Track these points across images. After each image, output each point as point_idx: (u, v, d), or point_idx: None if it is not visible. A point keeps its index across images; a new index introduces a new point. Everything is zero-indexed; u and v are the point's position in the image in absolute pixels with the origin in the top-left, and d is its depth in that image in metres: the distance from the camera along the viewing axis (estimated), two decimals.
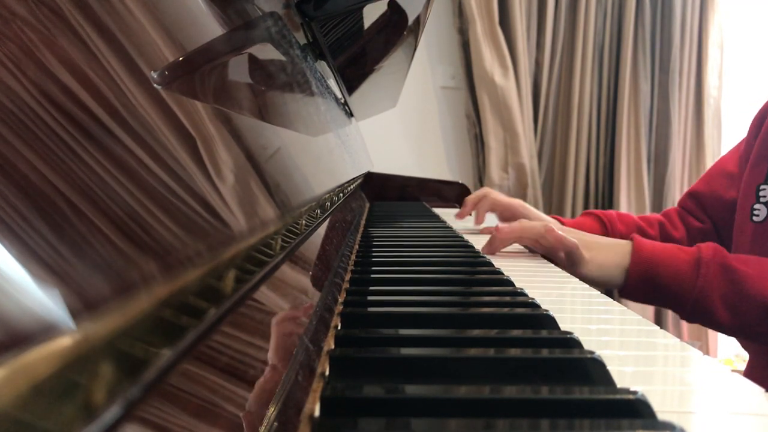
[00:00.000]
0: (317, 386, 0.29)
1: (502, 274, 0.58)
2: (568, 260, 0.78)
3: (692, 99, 2.81)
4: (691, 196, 1.14)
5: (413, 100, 2.56)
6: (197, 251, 0.20)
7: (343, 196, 0.82)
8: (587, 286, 0.64)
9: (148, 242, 0.18)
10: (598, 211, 1.13)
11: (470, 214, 1.15)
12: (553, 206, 2.75)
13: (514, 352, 0.34)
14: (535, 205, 2.63)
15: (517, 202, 1.12)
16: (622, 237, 1.07)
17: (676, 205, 1.18)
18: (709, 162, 2.81)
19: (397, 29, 0.97)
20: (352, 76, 1.03)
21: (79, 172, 0.16)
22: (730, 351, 2.68)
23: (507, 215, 1.10)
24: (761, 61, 3.00)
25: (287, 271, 0.36)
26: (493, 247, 0.82)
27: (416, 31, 1.04)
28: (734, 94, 2.95)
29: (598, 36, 2.70)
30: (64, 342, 0.11)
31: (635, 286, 0.78)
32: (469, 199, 1.14)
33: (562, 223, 1.07)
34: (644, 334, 0.44)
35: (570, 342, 0.36)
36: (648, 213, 2.71)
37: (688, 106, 2.81)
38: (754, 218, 0.92)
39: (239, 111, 0.34)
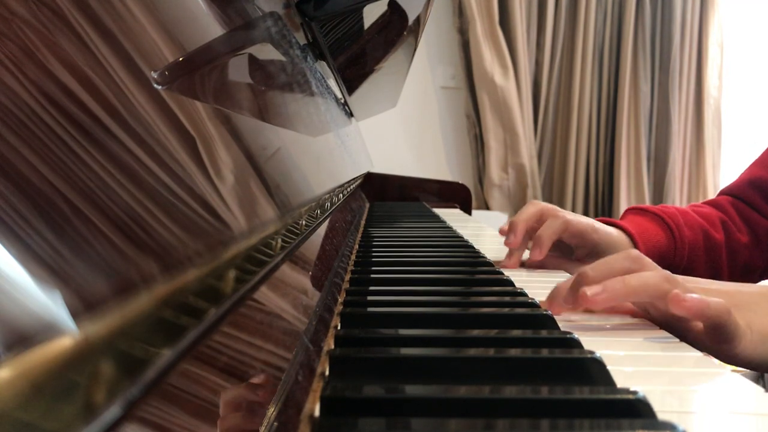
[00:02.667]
0: (317, 386, 0.29)
1: (502, 274, 0.58)
2: (712, 335, 0.43)
3: (692, 99, 2.81)
4: (754, 185, 0.86)
5: (413, 100, 2.57)
6: (197, 251, 0.20)
7: (343, 196, 0.82)
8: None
9: (148, 242, 0.18)
10: (655, 209, 0.81)
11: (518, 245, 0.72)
12: None
13: (514, 352, 0.34)
14: None
15: (587, 223, 0.73)
16: (691, 247, 0.79)
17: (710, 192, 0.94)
18: (709, 162, 2.81)
19: (397, 29, 0.97)
20: (352, 76, 1.03)
21: (79, 172, 0.16)
22: None
23: (574, 242, 0.73)
24: (761, 61, 3.00)
25: (287, 271, 0.36)
26: (576, 304, 0.45)
27: (416, 31, 1.04)
28: (734, 94, 2.95)
29: (598, 36, 2.70)
30: (64, 342, 0.11)
31: None
32: (520, 220, 0.72)
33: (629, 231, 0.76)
34: (644, 334, 0.44)
35: (570, 342, 0.36)
36: None
37: (688, 106, 2.81)
38: None
39: (239, 111, 0.34)
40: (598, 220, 0.78)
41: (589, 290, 0.44)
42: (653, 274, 0.44)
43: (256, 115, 0.37)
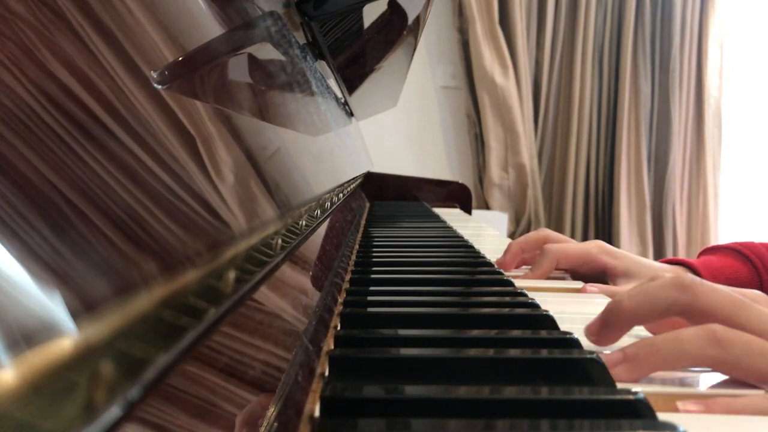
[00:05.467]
0: (317, 386, 0.29)
1: (502, 274, 0.58)
2: None
3: (692, 99, 2.81)
4: None
5: (413, 100, 2.57)
6: (197, 251, 0.20)
7: (343, 196, 0.82)
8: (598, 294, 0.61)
9: (148, 242, 0.18)
10: (731, 244, 0.72)
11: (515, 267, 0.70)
12: (553, 206, 2.75)
13: (513, 352, 0.34)
14: (535, 205, 2.64)
15: (590, 245, 0.67)
16: None
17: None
18: (710, 162, 2.81)
19: (397, 29, 0.97)
20: (352, 76, 1.03)
21: (79, 172, 0.16)
22: None
23: (585, 269, 0.68)
24: (761, 61, 3.00)
25: (287, 272, 0.36)
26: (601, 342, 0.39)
27: (416, 30, 1.04)
28: (734, 94, 2.95)
29: (598, 36, 2.71)
30: (63, 342, 0.11)
31: None
32: (515, 242, 0.71)
33: (696, 272, 0.67)
34: (645, 334, 0.44)
35: (570, 342, 0.36)
36: (648, 213, 2.72)
37: (689, 106, 2.81)
38: None
39: (239, 111, 0.34)
40: (660, 261, 0.69)
41: (607, 356, 0.34)
42: (693, 333, 0.34)
43: (256, 114, 0.37)
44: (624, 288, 0.61)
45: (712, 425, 0.30)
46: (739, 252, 0.70)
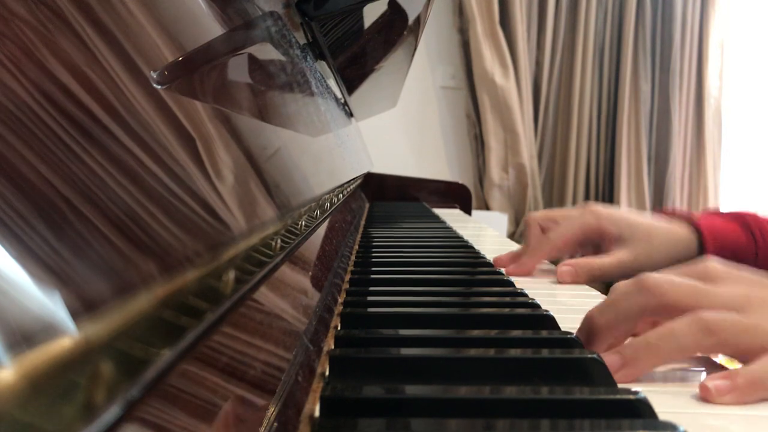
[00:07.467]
0: (317, 386, 0.29)
1: (502, 274, 0.58)
2: None
3: (692, 99, 2.81)
4: None
5: (413, 100, 2.57)
6: (197, 251, 0.20)
7: (343, 196, 0.81)
8: (586, 286, 0.64)
9: (148, 242, 0.18)
10: (731, 212, 0.71)
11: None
12: (553, 206, 2.75)
13: (514, 352, 0.34)
14: (535, 206, 2.64)
15: (585, 218, 0.67)
16: None
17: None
18: (710, 162, 2.81)
19: (397, 29, 0.97)
20: (352, 76, 1.03)
21: (78, 172, 0.16)
22: None
23: (591, 242, 0.68)
24: (761, 61, 3.00)
25: (287, 272, 0.36)
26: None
27: (416, 30, 1.03)
28: (735, 94, 2.94)
29: (598, 36, 2.71)
30: (63, 342, 0.11)
31: None
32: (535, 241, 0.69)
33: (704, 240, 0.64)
34: None
35: (570, 342, 0.36)
36: (648, 213, 2.72)
37: (689, 106, 2.81)
38: None
39: (239, 111, 0.34)
40: (658, 212, 0.69)
41: (607, 359, 0.33)
42: (685, 326, 0.34)
43: (256, 115, 0.37)
44: (609, 258, 0.63)
45: (713, 425, 0.30)
46: (740, 218, 0.68)
